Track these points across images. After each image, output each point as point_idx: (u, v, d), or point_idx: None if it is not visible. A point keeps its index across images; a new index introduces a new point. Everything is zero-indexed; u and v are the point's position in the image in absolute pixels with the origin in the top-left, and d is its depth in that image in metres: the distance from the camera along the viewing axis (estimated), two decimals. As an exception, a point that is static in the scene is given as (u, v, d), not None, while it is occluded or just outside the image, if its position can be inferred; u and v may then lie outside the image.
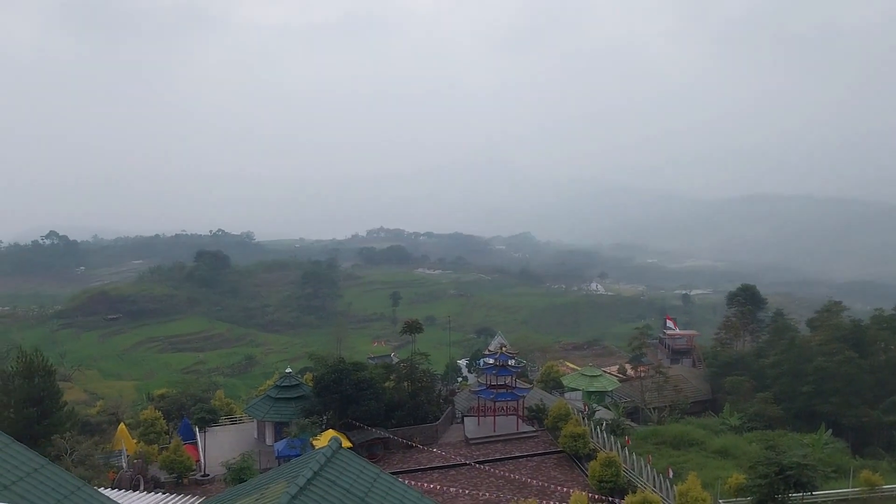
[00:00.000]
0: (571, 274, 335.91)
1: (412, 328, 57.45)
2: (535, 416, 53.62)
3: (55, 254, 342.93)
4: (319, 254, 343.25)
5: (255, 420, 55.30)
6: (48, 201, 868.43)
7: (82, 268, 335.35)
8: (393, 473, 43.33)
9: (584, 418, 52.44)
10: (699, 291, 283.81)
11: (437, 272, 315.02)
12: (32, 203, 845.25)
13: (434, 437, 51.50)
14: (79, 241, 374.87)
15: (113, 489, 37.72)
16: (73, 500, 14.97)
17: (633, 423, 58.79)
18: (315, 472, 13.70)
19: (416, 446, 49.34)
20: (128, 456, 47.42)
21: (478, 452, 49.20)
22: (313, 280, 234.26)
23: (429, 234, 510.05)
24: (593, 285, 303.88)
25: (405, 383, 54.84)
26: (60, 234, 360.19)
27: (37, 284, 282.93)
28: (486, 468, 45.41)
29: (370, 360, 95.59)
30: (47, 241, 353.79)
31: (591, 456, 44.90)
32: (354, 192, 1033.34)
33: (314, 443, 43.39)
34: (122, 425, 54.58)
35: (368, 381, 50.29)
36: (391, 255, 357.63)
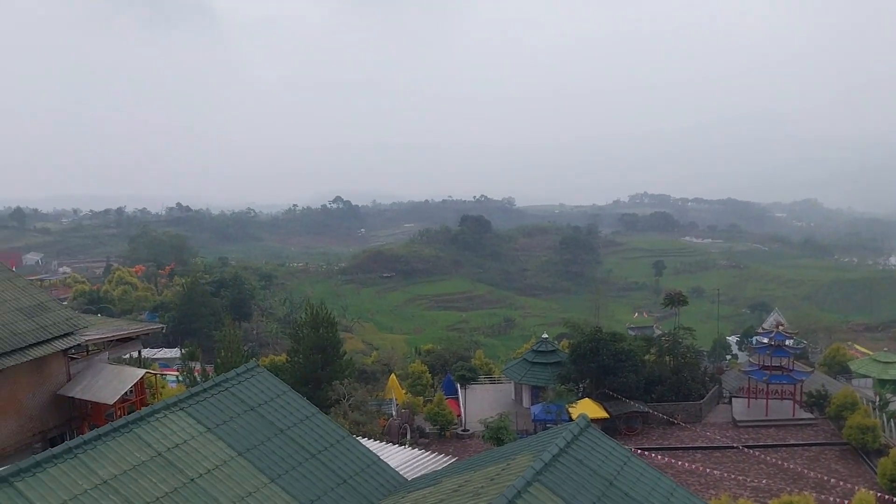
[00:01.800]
0: (866, 246, 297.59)
1: (676, 300, 54.79)
2: (816, 402, 48.41)
3: (340, 216, 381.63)
4: (579, 219, 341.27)
5: (512, 381, 56.53)
6: (336, 169, 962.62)
7: (363, 230, 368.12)
8: (652, 450, 42.41)
9: (874, 409, 46.36)
10: None
11: (706, 241, 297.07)
12: (322, 171, 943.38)
13: (698, 416, 48.77)
14: (360, 205, 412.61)
15: (383, 434, 40.86)
16: (338, 448, 15.99)
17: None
18: (561, 449, 13.17)
19: (678, 423, 47.08)
20: (397, 405, 50.82)
21: (746, 436, 45.69)
22: (572, 245, 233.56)
23: (698, 200, 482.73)
24: (893, 259, 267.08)
25: (667, 358, 52.50)
26: (345, 199, 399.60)
27: (325, 243, 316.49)
28: (756, 453, 41.94)
29: (629, 331, 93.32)
30: (334, 206, 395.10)
31: (881, 452, 39.56)
32: (615, 155, 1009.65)
33: (570, 410, 43.23)
34: (392, 376, 58.81)
35: (627, 352, 48.82)
36: (655, 221, 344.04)
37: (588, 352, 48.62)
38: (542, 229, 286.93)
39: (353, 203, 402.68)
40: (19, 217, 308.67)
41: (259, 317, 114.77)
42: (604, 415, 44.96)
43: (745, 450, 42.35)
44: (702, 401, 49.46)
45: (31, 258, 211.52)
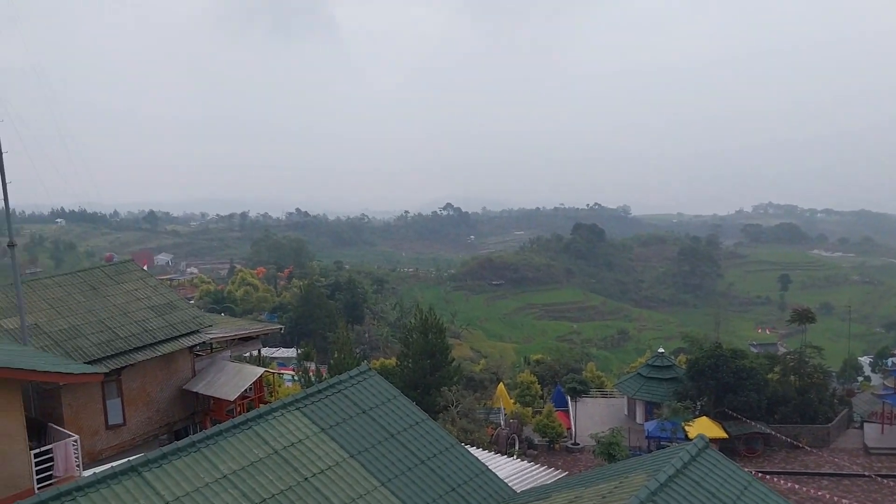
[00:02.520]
0: None
1: (803, 317, 51.80)
2: (962, 432, 44.53)
3: (451, 223, 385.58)
4: (699, 229, 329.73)
5: (625, 396, 55.09)
6: (447, 177, 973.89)
7: (472, 237, 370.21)
8: (774, 473, 40.17)
9: None
10: None
11: (836, 254, 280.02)
12: (433, 178, 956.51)
13: (825, 441, 45.83)
14: (470, 212, 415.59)
15: (491, 443, 40.67)
16: (447, 455, 15.93)
17: None
18: (678, 469, 12.58)
19: (803, 447, 44.36)
20: (505, 414, 50.49)
21: (879, 465, 42.50)
22: (691, 257, 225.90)
23: (827, 212, 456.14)
24: None
25: (792, 377, 49.65)
26: (455, 205, 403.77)
27: (435, 249, 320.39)
28: (891, 484, 38.94)
29: (751, 347, 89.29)
30: (444, 212, 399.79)
31: None
32: (737, 164, 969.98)
33: (686, 428, 41.67)
34: (501, 384, 58.53)
35: (749, 370, 46.47)
36: (781, 233, 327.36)
37: (707, 368, 46.68)
38: (659, 239, 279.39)
39: (464, 210, 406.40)
40: (152, 220, 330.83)
41: (371, 320, 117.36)
42: (722, 435, 42.99)
43: (879, 479, 39.37)
44: (830, 424, 46.52)
45: (162, 259, 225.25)
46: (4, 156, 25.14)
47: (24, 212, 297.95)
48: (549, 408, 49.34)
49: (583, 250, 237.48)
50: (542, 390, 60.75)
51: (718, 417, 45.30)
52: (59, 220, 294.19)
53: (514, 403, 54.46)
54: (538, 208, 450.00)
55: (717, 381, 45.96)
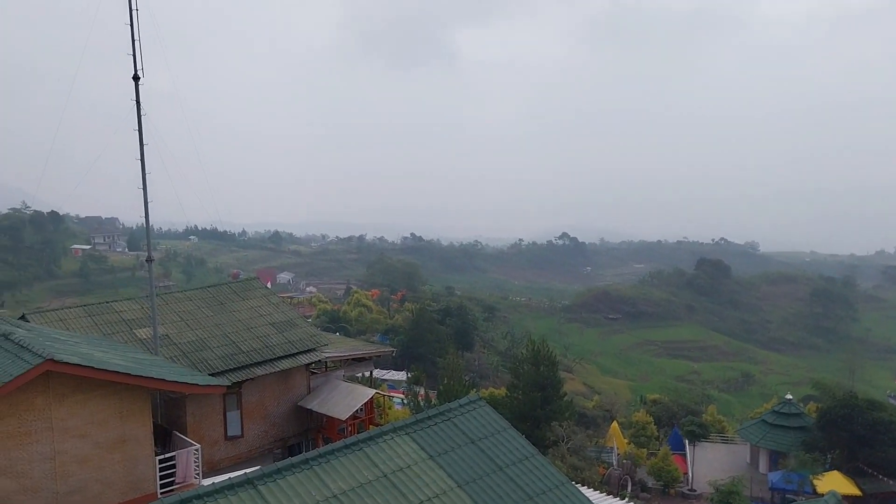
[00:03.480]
0: None
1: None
2: None
3: (566, 253, 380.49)
4: (833, 269, 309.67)
5: (747, 443, 52.08)
6: (563, 206, 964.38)
7: (588, 268, 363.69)
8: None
9: None
10: None
11: None
12: (548, 208, 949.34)
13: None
14: (587, 242, 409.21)
15: (602, 483, 39.32)
16: (557, 493, 15.43)
17: None
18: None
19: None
20: (618, 454, 48.88)
21: None
22: (824, 298, 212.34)
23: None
24: None
25: (935, 432, 45.45)
26: (571, 235, 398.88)
27: (549, 279, 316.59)
28: None
29: (890, 399, 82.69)
30: (560, 242, 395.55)
31: None
32: (879, 201, 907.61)
33: (815, 482, 38.85)
34: (614, 423, 56.76)
35: (887, 423, 42.86)
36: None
37: (840, 418, 43.42)
38: (789, 278, 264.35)
39: (580, 240, 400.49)
40: (276, 240, 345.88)
41: (481, 348, 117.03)
42: (856, 492, 39.78)
43: None
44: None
45: (284, 277, 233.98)
46: (147, 176, 26.80)
47: (160, 228, 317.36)
48: (666, 450, 47.32)
49: (706, 287, 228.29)
50: (658, 432, 58.39)
51: (851, 473, 41.97)
52: (191, 237, 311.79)
53: (628, 443, 52.59)
54: (659, 241, 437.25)
55: (850, 433, 42.68)
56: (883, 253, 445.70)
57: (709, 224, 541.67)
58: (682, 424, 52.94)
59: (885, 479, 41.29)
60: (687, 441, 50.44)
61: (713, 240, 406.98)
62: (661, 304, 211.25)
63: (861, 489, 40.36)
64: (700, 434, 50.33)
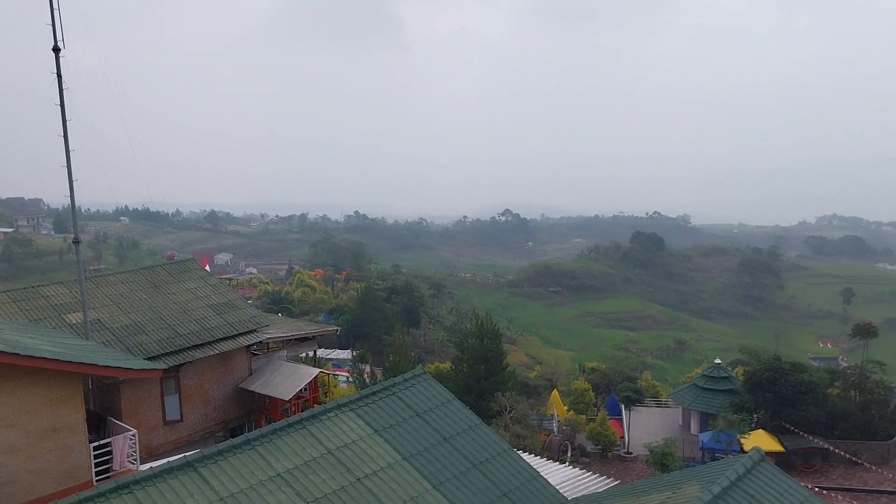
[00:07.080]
0: None
1: (865, 331, 50.66)
2: None
3: (509, 229, 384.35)
4: (760, 240, 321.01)
5: (680, 406, 54.11)
6: (506, 183, 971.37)
7: (531, 243, 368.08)
8: (832, 489, 38.96)
9: None
10: None
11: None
12: (491, 184, 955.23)
13: (885, 458, 44.25)
14: (529, 218, 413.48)
15: (543, 450, 40.32)
16: (500, 460, 15.87)
17: None
18: (732, 482, 12.28)
19: (862, 464, 42.80)
20: (558, 421, 50.13)
21: (944, 484, 40.76)
22: (752, 268, 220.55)
23: (894, 224, 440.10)
24: None
25: (852, 392, 48.15)
26: (514, 211, 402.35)
27: (493, 255, 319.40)
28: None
29: (812, 361, 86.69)
30: (503, 218, 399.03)
31: None
32: (801, 176, 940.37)
33: (742, 441, 40.68)
34: (555, 391, 58.03)
35: (808, 383, 45.11)
36: (845, 245, 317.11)
37: (765, 381, 45.47)
38: (720, 249, 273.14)
39: (522, 216, 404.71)
40: (213, 220, 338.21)
41: (427, 324, 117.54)
42: (779, 448, 41.88)
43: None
44: (890, 441, 45.00)
45: (222, 258, 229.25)
46: (72, 154, 25.74)
47: (88, 209, 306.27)
48: (603, 416, 48.77)
49: (642, 259, 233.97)
50: (596, 398, 60.04)
51: (775, 431, 44.13)
52: (122, 217, 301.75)
53: (568, 410, 53.98)
54: (597, 216, 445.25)
55: (775, 394, 44.80)
56: (805, 224, 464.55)
57: (644, 199, 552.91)
58: (618, 390, 54.51)
59: (806, 435, 43.53)
60: (623, 406, 52.06)
61: (647, 214, 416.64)
62: (601, 277, 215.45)
63: (784, 446, 42.48)
64: (635, 399, 52.05)
